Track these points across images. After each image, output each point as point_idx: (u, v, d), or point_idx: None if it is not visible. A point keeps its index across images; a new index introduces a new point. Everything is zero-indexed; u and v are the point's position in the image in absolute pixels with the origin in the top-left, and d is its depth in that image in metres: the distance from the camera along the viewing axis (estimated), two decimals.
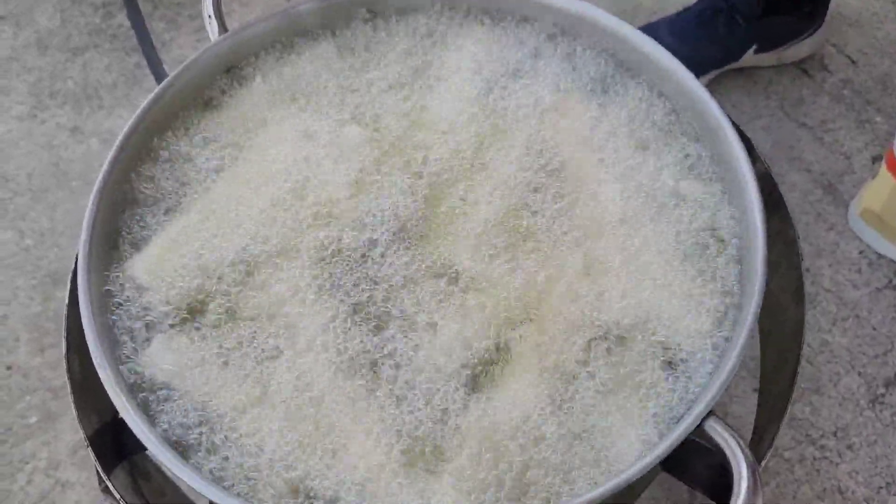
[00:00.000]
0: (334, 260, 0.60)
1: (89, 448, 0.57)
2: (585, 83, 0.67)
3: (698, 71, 1.14)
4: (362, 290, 0.59)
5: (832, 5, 1.16)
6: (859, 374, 0.98)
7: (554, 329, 0.56)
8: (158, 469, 0.67)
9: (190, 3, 1.33)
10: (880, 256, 1.05)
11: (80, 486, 0.94)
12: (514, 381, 0.55)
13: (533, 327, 0.57)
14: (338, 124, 0.67)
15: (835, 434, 0.95)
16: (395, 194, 0.63)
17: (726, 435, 0.46)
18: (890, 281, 1.04)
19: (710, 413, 0.48)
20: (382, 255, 0.60)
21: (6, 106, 1.25)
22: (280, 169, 0.65)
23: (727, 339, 0.53)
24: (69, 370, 0.60)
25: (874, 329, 1.01)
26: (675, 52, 1.15)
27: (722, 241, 0.59)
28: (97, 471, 0.58)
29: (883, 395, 0.97)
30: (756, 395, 0.73)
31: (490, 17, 0.72)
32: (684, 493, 0.94)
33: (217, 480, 0.53)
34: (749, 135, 1.14)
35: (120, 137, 0.62)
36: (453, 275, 0.59)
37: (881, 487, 0.92)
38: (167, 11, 1.31)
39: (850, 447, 0.94)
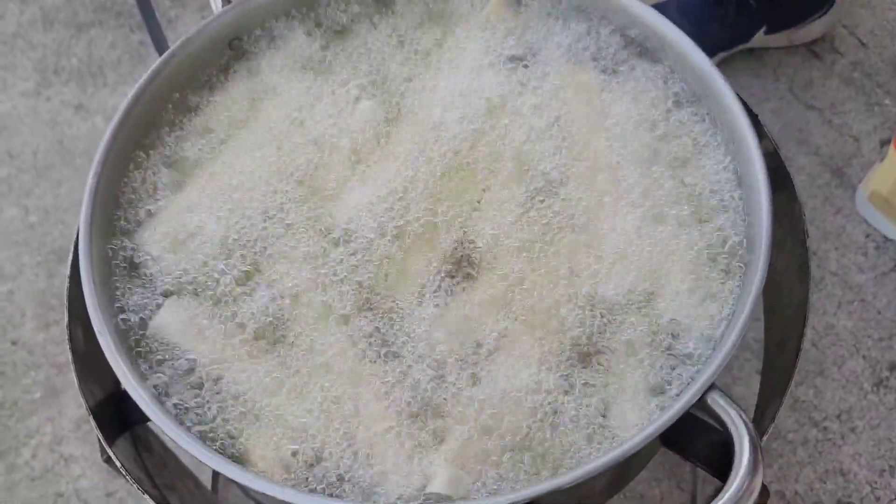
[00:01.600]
0: (343, 235, 0.60)
1: (91, 418, 0.57)
2: (596, 60, 0.67)
3: (707, 52, 1.14)
4: (369, 264, 0.59)
5: None
6: (864, 357, 0.98)
7: (557, 306, 0.56)
8: (160, 440, 0.67)
9: None
10: (887, 240, 1.04)
11: (83, 460, 0.95)
12: (515, 357, 0.55)
13: (536, 305, 0.56)
14: (346, 98, 0.66)
15: (838, 417, 0.95)
16: (406, 171, 0.62)
17: (728, 408, 0.46)
18: None
19: (713, 386, 0.48)
20: (392, 231, 0.60)
21: (11, 82, 1.24)
22: (287, 142, 0.64)
23: (731, 315, 0.53)
24: (71, 340, 0.60)
25: (879, 313, 1.00)
26: (685, 32, 1.14)
27: (729, 217, 0.58)
28: (99, 441, 0.58)
29: (887, 379, 0.97)
30: (759, 377, 0.73)
31: None
32: (686, 474, 0.94)
33: (219, 449, 0.53)
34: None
35: (121, 109, 0.62)
36: (459, 252, 0.59)
37: (884, 470, 0.92)
38: None
39: (853, 430, 0.94)
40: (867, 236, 1.05)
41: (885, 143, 1.10)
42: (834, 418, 0.95)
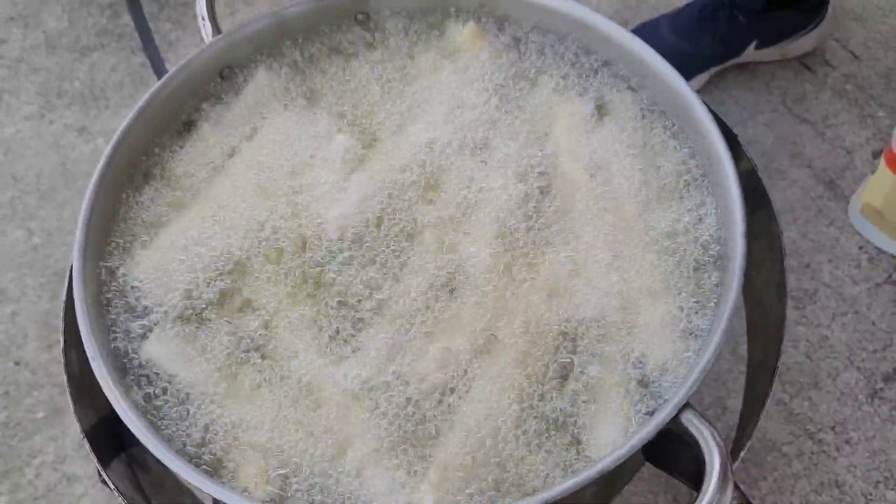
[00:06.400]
0: (326, 260, 0.61)
1: (86, 441, 0.58)
2: (576, 88, 0.68)
3: (700, 67, 1.15)
4: (350, 290, 0.60)
5: None
6: (858, 368, 0.98)
7: (535, 329, 0.57)
8: (157, 460, 0.69)
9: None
10: (880, 252, 1.04)
11: (86, 480, 0.96)
12: (494, 382, 0.56)
13: (515, 329, 0.57)
14: (330, 128, 0.68)
15: (833, 429, 0.95)
16: (388, 200, 0.63)
17: (701, 427, 0.47)
18: (889, 276, 1.03)
19: (687, 405, 0.49)
20: (371, 257, 0.61)
21: (15, 106, 1.27)
22: (273, 172, 0.66)
23: (705, 335, 0.54)
24: (67, 364, 0.61)
25: (873, 324, 1.00)
26: (677, 48, 1.15)
27: (705, 240, 0.59)
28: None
29: (881, 390, 0.97)
30: None
31: (482, 19, 0.72)
32: (683, 487, 0.94)
33: (209, 471, 0.54)
34: (750, 130, 1.14)
35: (108, 148, 0.63)
36: (438, 278, 0.60)
37: (879, 482, 0.92)
38: (173, 12, 1.33)
39: (848, 442, 0.94)
40: (860, 248, 1.06)
41: (877, 155, 1.11)
42: (829, 430, 0.95)
